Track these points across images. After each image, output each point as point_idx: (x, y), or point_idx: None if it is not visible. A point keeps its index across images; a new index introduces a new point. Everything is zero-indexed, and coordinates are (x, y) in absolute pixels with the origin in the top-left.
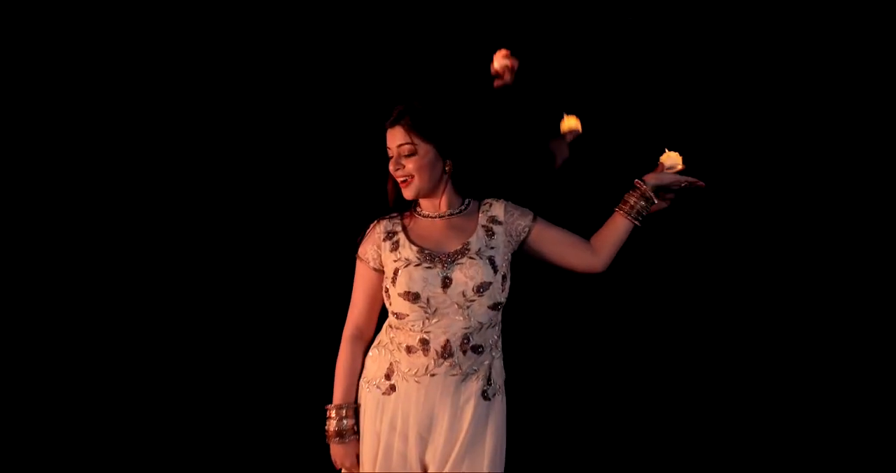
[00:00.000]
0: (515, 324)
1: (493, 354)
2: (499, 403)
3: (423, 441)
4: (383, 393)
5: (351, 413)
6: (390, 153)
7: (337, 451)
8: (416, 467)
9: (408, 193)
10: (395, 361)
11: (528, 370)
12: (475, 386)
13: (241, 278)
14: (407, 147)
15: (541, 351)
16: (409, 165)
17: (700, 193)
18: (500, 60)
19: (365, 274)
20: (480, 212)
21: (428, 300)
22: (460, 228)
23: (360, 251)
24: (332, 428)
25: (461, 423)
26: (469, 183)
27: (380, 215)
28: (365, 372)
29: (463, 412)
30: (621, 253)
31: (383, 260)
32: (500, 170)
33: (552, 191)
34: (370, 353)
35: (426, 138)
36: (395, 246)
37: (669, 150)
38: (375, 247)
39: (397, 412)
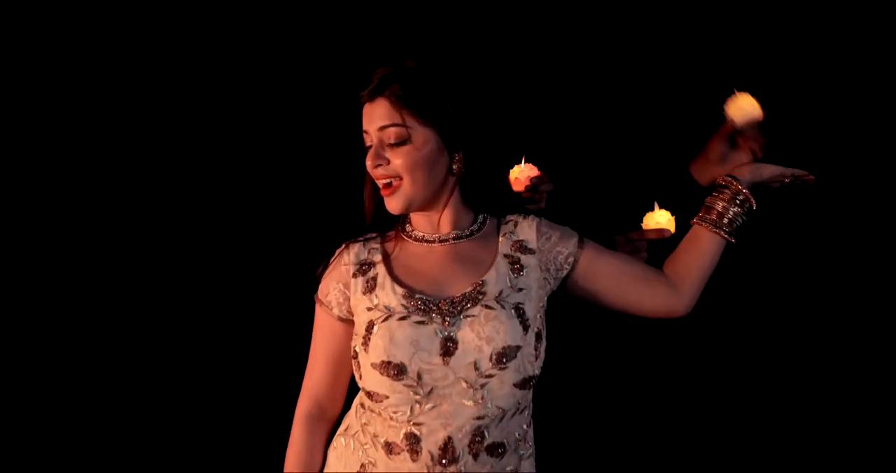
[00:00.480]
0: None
1: (521, 452)
2: None
3: None
4: None
5: None
6: (367, 140)
7: None
8: None
9: (392, 204)
10: (370, 462)
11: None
12: None
13: (238, 278)
14: (394, 130)
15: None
16: (397, 160)
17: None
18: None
19: (326, 324)
20: (501, 234)
21: (419, 375)
22: (471, 259)
23: (321, 290)
24: None
25: None
26: (486, 190)
27: (348, 236)
28: (327, 466)
29: None
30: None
31: (353, 305)
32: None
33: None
34: (334, 444)
35: (424, 118)
36: (371, 286)
37: (738, 91)
38: (341, 287)
39: None
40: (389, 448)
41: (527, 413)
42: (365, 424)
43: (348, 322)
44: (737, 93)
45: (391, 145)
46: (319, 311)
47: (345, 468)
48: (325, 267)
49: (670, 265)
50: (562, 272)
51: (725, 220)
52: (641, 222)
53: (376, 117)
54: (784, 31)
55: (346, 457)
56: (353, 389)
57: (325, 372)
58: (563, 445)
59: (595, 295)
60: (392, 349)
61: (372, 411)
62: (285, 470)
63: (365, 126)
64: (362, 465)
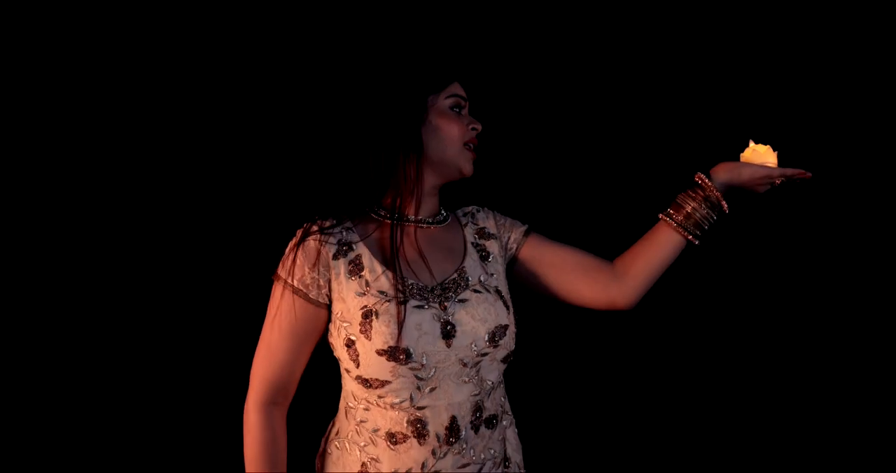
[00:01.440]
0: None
1: (506, 422)
2: None
3: None
4: None
5: None
6: (457, 104)
7: None
8: None
9: (471, 166)
10: (372, 459)
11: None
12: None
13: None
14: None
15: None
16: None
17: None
18: None
19: (296, 309)
20: (463, 224)
21: (423, 358)
22: (445, 246)
23: (289, 271)
24: None
25: None
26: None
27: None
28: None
29: None
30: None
31: (335, 288)
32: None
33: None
34: (327, 450)
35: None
36: (357, 269)
37: (755, 143)
38: (321, 269)
39: None
40: (393, 438)
41: (502, 385)
42: (361, 422)
43: (322, 306)
44: (752, 145)
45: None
46: (287, 296)
47: (342, 470)
48: (292, 248)
49: (625, 255)
50: (508, 254)
51: (692, 222)
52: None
53: (463, 91)
54: (774, 31)
55: (342, 461)
56: (334, 393)
57: (289, 358)
58: (554, 443)
59: (537, 281)
60: (397, 333)
61: (369, 406)
62: (249, 470)
63: (462, 91)
64: (363, 464)
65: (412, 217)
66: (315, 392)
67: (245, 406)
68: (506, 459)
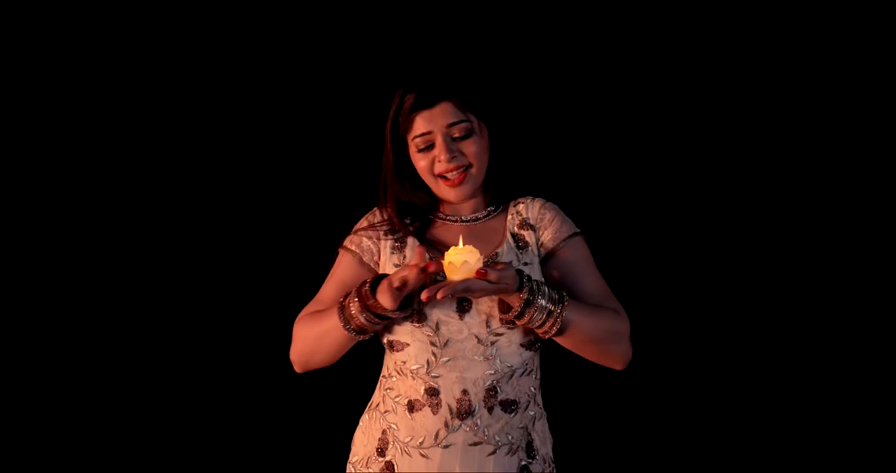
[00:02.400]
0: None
1: (532, 413)
2: None
3: None
4: None
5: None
6: (424, 142)
7: (385, 291)
8: None
9: (461, 191)
10: (390, 427)
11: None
12: (511, 462)
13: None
14: (463, 125)
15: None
16: (468, 150)
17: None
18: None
19: (348, 266)
20: (509, 214)
21: (437, 325)
22: (485, 236)
23: (350, 241)
24: (355, 311)
25: None
26: (504, 180)
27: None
28: (352, 451)
29: None
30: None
31: (381, 260)
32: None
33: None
34: (360, 422)
35: (480, 114)
36: (400, 247)
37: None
38: (375, 240)
39: None
40: (411, 406)
41: (534, 376)
42: (388, 390)
43: (368, 269)
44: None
45: (459, 139)
46: (344, 257)
47: (368, 440)
48: (358, 226)
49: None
50: (541, 251)
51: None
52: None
53: (440, 117)
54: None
55: (368, 430)
56: (377, 366)
57: (334, 296)
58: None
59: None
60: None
61: (395, 374)
62: (307, 330)
63: (427, 127)
64: (383, 432)
65: (451, 216)
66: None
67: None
68: (531, 450)
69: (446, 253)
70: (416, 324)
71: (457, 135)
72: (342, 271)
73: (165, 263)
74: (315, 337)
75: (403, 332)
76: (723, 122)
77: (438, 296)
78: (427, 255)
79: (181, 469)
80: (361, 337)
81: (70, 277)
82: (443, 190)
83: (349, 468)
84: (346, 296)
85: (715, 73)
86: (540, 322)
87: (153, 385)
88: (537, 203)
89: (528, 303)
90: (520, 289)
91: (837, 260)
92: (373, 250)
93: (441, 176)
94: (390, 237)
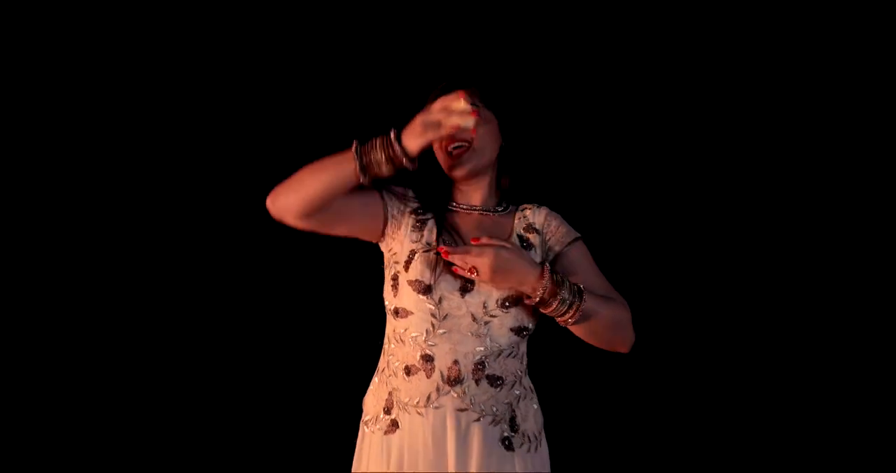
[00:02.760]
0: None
1: (518, 392)
2: (531, 458)
3: None
4: (385, 433)
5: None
6: None
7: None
8: None
9: (460, 169)
10: (394, 389)
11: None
12: (494, 431)
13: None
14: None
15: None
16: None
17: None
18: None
19: (372, 198)
20: (517, 218)
21: (440, 299)
22: (493, 229)
23: (390, 191)
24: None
25: None
26: (515, 179)
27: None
28: (364, 410)
29: (476, 462)
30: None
31: (402, 233)
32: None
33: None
34: (371, 385)
35: (494, 108)
36: (420, 226)
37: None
38: (402, 208)
39: (403, 451)
40: (408, 370)
41: (521, 360)
42: (390, 357)
43: (381, 212)
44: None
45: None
46: (376, 193)
47: (377, 401)
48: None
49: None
50: (550, 254)
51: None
52: None
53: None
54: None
55: (377, 392)
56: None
57: (349, 198)
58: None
59: None
60: (426, 272)
61: (396, 342)
62: (313, 167)
63: None
64: (389, 393)
65: (463, 204)
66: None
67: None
68: (514, 424)
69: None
70: (423, 296)
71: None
72: (366, 192)
73: (166, 262)
74: (311, 170)
75: (410, 302)
76: (723, 122)
77: (441, 252)
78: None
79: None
80: (360, 178)
81: (70, 275)
82: (447, 165)
83: (362, 427)
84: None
85: (717, 76)
86: (563, 311)
87: (153, 383)
88: (543, 211)
89: (549, 291)
90: (541, 277)
91: (834, 260)
92: (398, 208)
93: (448, 152)
94: (414, 215)
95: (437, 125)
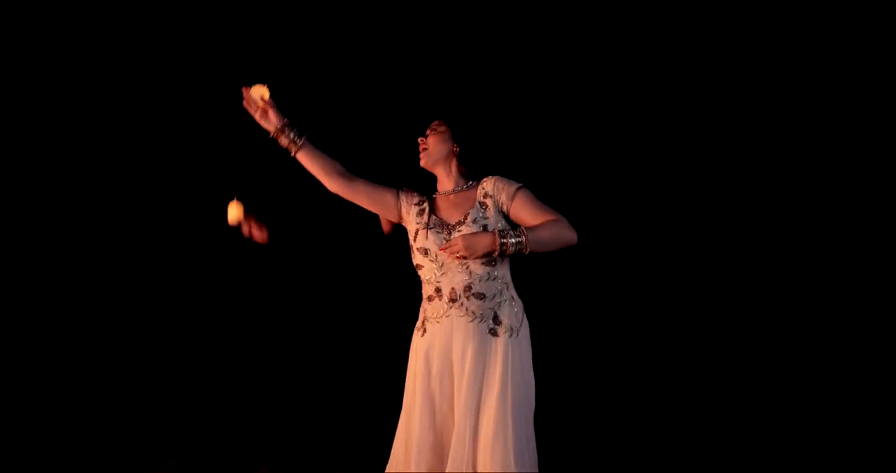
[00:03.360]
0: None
1: (499, 301)
2: (511, 342)
3: (449, 373)
4: (421, 336)
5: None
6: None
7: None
8: (442, 396)
9: (423, 162)
10: (424, 310)
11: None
12: (482, 326)
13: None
14: (432, 126)
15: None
16: (430, 140)
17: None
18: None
19: (385, 190)
20: (478, 188)
21: (436, 255)
22: (463, 203)
23: (404, 191)
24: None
25: (467, 355)
26: (471, 165)
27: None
28: (416, 324)
29: (472, 346)
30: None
31: (408, 217)
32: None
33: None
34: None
35: (446, 122)
36: (421, 213)
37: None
38: (409, 200)
39: (430, 346)
40: (429, 298)
41: (502, 281)
42: (422, 294)
43: (395, 206)
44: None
45: (428, 134)
46: (393, 191)
47: (420, 317)
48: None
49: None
50: (504, 208)
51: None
52: None
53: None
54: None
55: (420, 314)
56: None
57: (366, 186)
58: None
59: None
60: (425, 242)
61: (422, 284)
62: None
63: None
64: (423, 312)
65: (442, 191)
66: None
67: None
68: (497, 320)
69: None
70: (426, 256)
71: (429, 132)
72: (381, 187)
73: (165, 260)
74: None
75: (421, 259)
76: (702, 116)
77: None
78: None
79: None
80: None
81: (71, 272)
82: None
83: (414, 335)
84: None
85: (700, 73)
86: (518, 249)
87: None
88: (492, 179)
89: (503, 243)
90: (494, 240)
91: (829, 260)
92: (405, 208)
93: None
94: (417, 206)
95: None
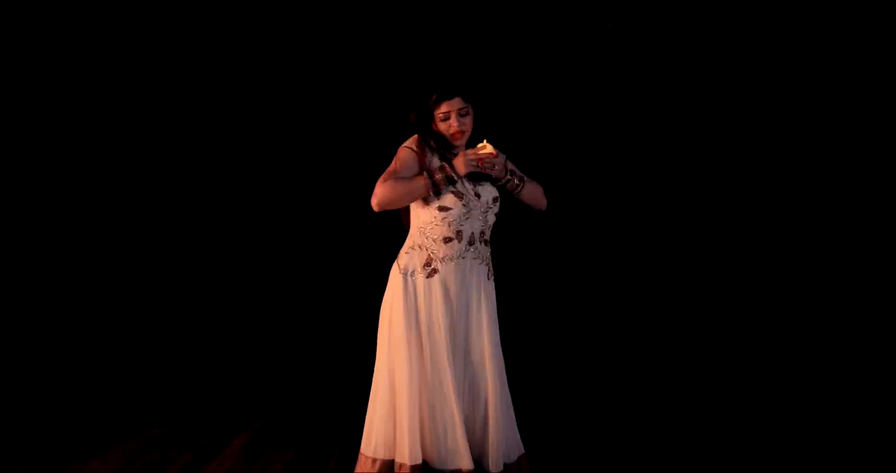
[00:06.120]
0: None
1: (489, 248)
2: (491, 282)
3: (466, 309)
4: (427, 277)
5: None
6: (446, 115)
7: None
8: (459, 331)
9: (461, 142)
10: (432, 252)
11: None
12: (486, 269)
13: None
14: (466, 108)
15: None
16: (467, 121)
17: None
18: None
19: (412, 158)
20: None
21: (467, 201)
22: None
23: (413, 145)
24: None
25: (480, 294)
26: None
27: None
28: (403, 265)
29: (482, 287)
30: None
31: (432, 164)
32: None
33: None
34: (405, 253)
35: (473, 104)
36: (441, 160)
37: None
38: (423, 153)
39: (446, 284)
40: (446, 240)
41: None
42: (426, 236)
43: (420, 163)
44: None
45: (462, 116)
46: (408, 153)
47: (419, 260)
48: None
49: None
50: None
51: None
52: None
53: (456, 103)
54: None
55: (416, 256)
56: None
57: (407, 173)
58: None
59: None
60: (449, 199)
61: (434, 226)
62: (405, 184)
63: (448, 108)
64: (428, 256)
65: (456, 151)
66: None
67: (372, 200)
68: (490, 266)
69: (478, 146)
70: (459, 199)
71: (463, 113)
72: (407, 159)
73: (166, 258)
74: (403, 190)
75: (452, 203)
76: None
77: (480, 164)
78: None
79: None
80: (432, 192)
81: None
82: (452, 139)
83: (404, 278)
84: (428, 172)
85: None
86: (514, 187)
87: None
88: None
89: (510, 174)
90: (505, 169)
91: (824, 260)
92: (424, 156)
93: (452, 134)
94: (437, 154)
95: (476, 162)
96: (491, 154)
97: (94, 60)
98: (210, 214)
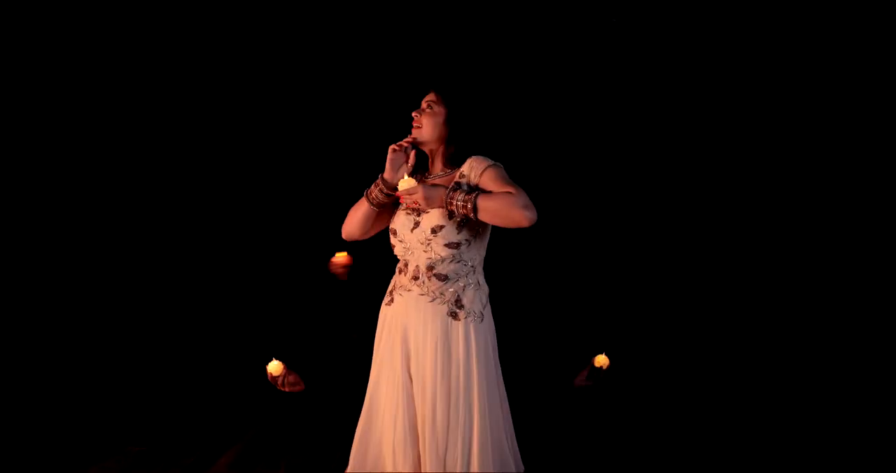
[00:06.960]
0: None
1: (464, 285)
2: (476, 325)
3: (403, 345)
4: (386, 304)
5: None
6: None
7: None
8: (399, 367)
9: (415, 133)
10: (396, 280)
11: None
12: (441, 307)
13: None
14: (429, 102)
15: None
16: (424, 117)
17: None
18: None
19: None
20: (461, 168)
21: (402, 236)
22: (447, 183)
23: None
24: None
25: (426, 335)
26: (460, 151)
27: None
28: (387, 292)
29: (429, 326)
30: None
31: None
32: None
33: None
34: (391, 283)
35: (444, 102)
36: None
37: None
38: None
39: (393, 314)
40: (399, 270)
41: (469, 265)
42: (396, 266)
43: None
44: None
45: (422, 110)
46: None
47: (391, 285)
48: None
49: None
50: (475, 182)
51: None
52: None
53: (429, 97)
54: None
55: (392, 281)
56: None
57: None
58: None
59: None
60: (396, 222)
61: (397, 258)
62: (357, 209)
63: (423, 103)
64: (393, 282)
65: (431, 173)
66: None
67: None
68: (459, 304)
69: (400, 181)
70: (395, 236)
71: (425, 108)
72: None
73: (165, 256)
74: (352, 214)
75: (393, 238)
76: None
77: (402, 201)
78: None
79: None
80: (374, 209)
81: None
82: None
83: (386, 297)
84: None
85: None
86: (463, 207)
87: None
88: (469, 160)
89: (450, 197)
90: (443, 194)
91: (821, 260)
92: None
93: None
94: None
95: (398, 198)
96: (409, 188)
97: (94, 60)
98: (193, 234)
